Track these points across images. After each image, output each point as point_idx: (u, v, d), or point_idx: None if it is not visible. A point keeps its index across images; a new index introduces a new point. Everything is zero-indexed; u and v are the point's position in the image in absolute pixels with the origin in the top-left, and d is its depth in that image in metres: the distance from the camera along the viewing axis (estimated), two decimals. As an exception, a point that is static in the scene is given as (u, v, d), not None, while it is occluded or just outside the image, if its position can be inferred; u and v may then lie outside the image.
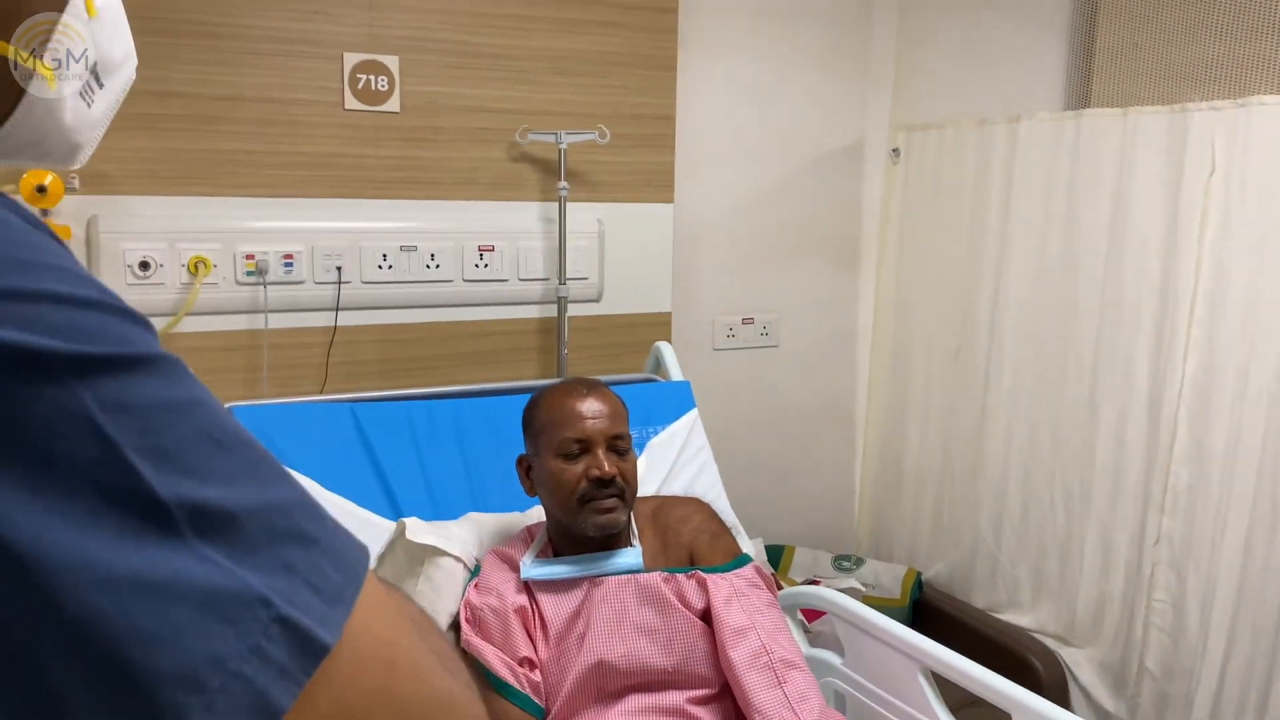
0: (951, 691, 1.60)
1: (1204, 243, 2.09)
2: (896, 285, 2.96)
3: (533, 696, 1.50)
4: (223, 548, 0.38)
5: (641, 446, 2.07)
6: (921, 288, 2.86)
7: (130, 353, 0.39)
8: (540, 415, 1.63)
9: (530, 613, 1.57)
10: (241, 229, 2.25)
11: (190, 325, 2.23)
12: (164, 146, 2.18)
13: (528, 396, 1.71)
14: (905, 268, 2.92)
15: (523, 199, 2.52)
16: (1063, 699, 2.33)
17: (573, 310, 2.56)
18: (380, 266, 2.37)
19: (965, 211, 2.68)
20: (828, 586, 2.52)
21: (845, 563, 2.85)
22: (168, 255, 2.18)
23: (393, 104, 2.36)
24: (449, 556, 1.63)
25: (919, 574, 2.79)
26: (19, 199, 1.95)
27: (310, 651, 0.38)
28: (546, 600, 1.58)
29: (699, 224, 2.81)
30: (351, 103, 2.32)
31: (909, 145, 2.88)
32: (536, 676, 1.52)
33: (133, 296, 2.15)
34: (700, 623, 1.53)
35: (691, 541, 1.64)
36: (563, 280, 2.50)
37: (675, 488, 2.02)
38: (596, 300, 2.65)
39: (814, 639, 2.11)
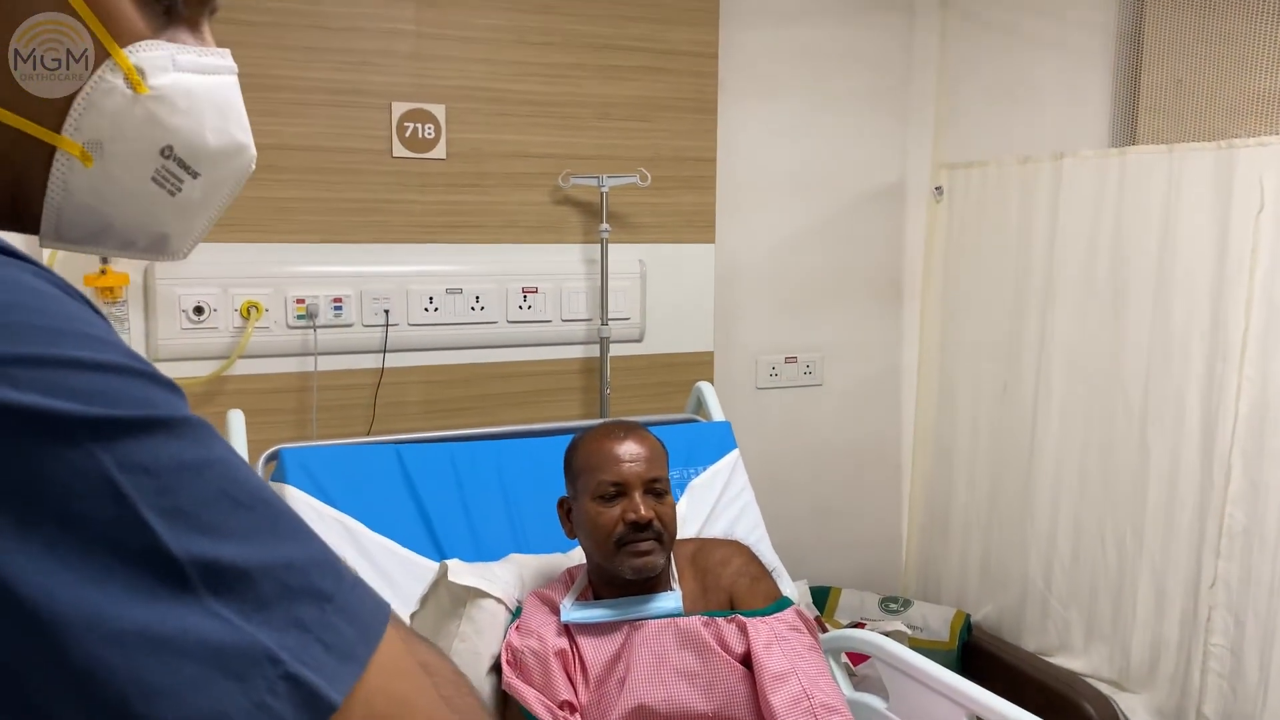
0: (998, 739, 1.56)
1: (1254, 280, 2.06)
2: (941, 324, 2.94)
3: (573, 740, 1.50)
4: (234, 604, 0.38)
5: (683, 487, 2.07)
6: (966, 327, 2.84)
7: (152, 415, 0.40)
8: (579, 458, 1.64)
9: (570, 656, 1.57)
10: (292, 273, 2.31)
11: (243, 368, 2.28)
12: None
13: (569, 437, 1.73)
14: (950, 306, 2.90)
15: (565, 241, 2.56)
16: (1117, 747, 2.27)
17: (615, 350, 2.58)
18: (426, 309, 2.42)
19: (1010, 249, 2.66)
20: (875, 629, 2.50)
21: (893, 604, 2.82)
22: (221, 300, 2.24)
23: (439, 151, 2.41)
24: (491, 598, 1.64)
25: (968, 616, 2.75)
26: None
27: (317, 709, 0.39)
28: (586, 644, 1.58)
29: (741, 263, 2.82)
30: (399, 150, 2.38)
31: (952, 183, 2.87)
32: (576, 720, 1.52)
33: (187, 341, 2.22)
34: (741, 667, 1.53)
35: (731, 585, 1.64)
36: (605, 321, 2.52)
37: (717, 529, 2.01)
38: (639, 340, 2.66)
39: (859, 683, 2.08)
